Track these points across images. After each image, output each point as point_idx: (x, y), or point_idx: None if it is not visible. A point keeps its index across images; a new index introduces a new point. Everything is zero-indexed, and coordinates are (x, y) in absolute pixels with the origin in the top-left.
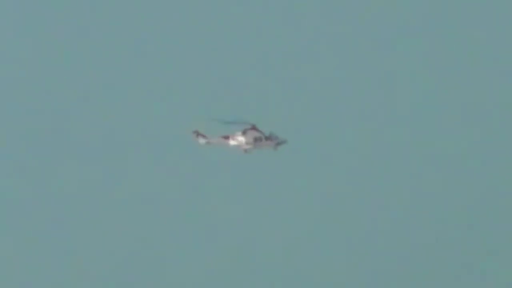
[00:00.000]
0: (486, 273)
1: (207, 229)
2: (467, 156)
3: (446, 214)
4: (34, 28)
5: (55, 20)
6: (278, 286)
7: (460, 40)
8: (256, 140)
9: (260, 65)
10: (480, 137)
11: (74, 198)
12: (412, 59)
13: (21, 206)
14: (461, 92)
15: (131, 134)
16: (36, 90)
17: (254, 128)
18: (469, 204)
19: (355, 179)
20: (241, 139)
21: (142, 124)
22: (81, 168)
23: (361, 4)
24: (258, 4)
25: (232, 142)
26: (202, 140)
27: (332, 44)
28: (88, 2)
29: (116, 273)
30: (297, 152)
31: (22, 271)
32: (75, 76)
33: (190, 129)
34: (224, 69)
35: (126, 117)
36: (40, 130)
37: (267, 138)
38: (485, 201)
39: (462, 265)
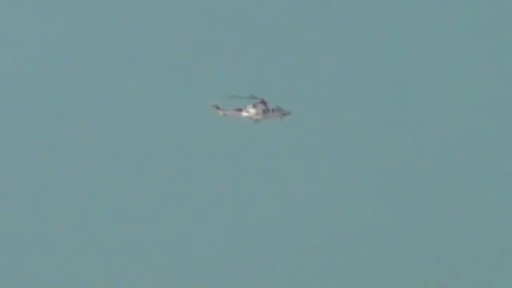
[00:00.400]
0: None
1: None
2: (462, 149)
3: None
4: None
5: (57, 21)
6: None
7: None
8: (265, 112)
9: (269, 46)
10: (480, 137)
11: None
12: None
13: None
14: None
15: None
16: (36, 90)
17: (263, 101)
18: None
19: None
20: (252, 111)
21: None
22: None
23: None
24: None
25: (244, 114)
26: (220, 112)
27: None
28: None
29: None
30: (300, 122)
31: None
32: (75, 74)
33: (210, 103)
34: (239, 52)
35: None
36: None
37: (274, 110)
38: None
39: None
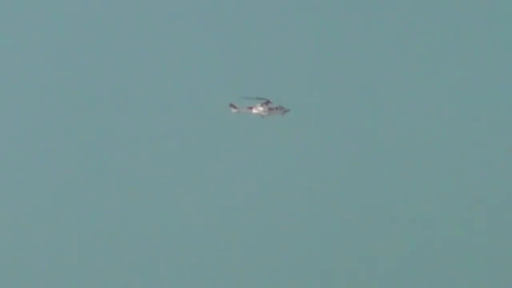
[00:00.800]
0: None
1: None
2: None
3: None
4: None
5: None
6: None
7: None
8: (270, 109)
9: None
10: (480, 137)
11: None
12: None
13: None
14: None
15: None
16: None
17: (268, 101)
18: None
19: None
20: (260, 108)
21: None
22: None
23: None
24: None
25: (254, 111)
26: (234, 110)
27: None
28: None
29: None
30: (297, 118)
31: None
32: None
33: (227, 103)
34: (247, 58)
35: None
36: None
37: (277, 108)
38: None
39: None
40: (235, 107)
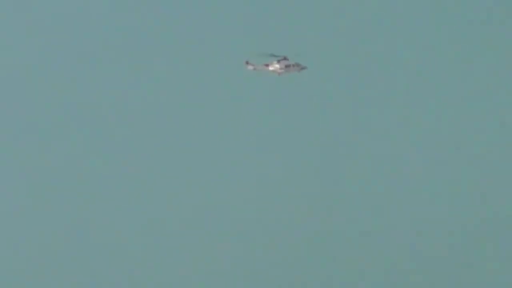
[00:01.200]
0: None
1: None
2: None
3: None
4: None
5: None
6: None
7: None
8: (287, 66)
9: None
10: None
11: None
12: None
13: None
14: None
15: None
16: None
17: (285, 58)
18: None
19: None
20: (276, 66)
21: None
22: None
23: None
24: None
25: (270, 68)
26: (250, 67)
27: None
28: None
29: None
30: (314, 75)
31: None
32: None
33: (242, 59)
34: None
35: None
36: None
37: (294, 65)
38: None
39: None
40: (251, 64)
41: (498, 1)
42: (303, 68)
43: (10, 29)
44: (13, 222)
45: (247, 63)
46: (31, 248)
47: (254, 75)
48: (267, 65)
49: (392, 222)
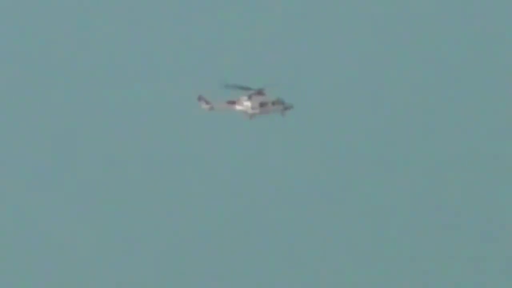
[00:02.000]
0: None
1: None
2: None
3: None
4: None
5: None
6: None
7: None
8: (262, 105)
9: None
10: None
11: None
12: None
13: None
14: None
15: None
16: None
17: (260, 92)
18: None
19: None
20: (247, 104)
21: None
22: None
23: None
24: None
25: (238, 107)
26: (205, 106)
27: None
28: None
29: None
30: (305, 117)
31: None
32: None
33: (194, 95)
34: (229, 33)
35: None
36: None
37: (274, 103)
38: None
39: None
40: (206, 102)
41: (498, 1)
42: (287, 107)
43: (10, 29)
44: (13, 222)
45: (200, 99)
46: (31, 248)
47: (211, 118)
48: (232, 103)
49: (392, 222)
